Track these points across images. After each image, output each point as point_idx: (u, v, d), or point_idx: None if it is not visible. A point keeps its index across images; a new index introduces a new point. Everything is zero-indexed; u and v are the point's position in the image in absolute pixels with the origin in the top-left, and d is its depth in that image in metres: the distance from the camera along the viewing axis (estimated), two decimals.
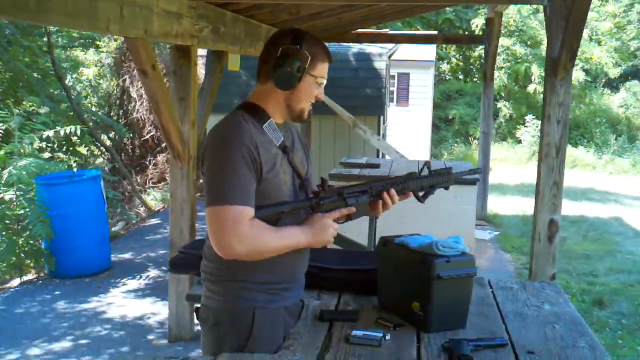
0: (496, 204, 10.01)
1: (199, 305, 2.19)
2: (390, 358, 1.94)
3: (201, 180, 2.08)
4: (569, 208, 9.76)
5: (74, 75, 11.98)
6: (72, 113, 9.72)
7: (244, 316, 2.06)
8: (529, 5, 16.24)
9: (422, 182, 2.30)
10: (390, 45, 10.71)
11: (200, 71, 8.74)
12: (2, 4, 2.36)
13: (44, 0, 2.57)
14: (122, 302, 5.61)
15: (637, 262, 7.12)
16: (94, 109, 11.65)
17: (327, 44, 8.01)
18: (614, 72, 19.35)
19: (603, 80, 20.54)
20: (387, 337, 2.06)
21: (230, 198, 1.92)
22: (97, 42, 11.99)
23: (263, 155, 1.98)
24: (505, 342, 2.06)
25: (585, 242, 8.10)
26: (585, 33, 18.35)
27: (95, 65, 12.72)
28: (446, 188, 2.36)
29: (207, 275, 2.14)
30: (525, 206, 9.69)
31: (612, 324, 5.32)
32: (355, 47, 10.25)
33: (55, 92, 10.21)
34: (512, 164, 16.07)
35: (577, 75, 17.68)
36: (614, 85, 20.77)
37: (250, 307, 2.06)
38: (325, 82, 2.13)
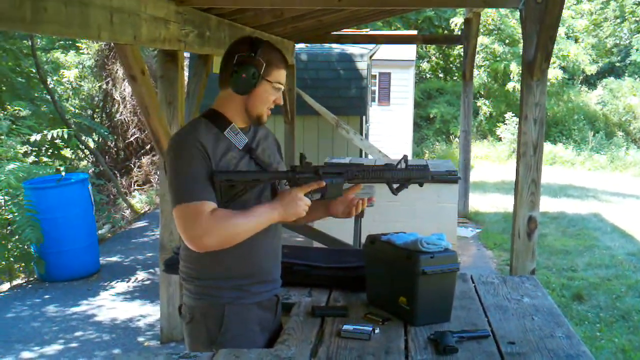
0: (478, 202, 10.16)
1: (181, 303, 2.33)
2: (380, 350, 2.05)
3: None
4: (548, 204, 9.96)
5: (54, 78, 11.94)
6: (52, 116, 9.71)
7: (214, 312, 2.18)
8: None
9: (397, 174, 2.32)
10: (371, 46, 10.84)
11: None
12: (1, 16, 2.44)
13: (39, 11, 2.65)
14: (111, 305, 5.67)
15: (615, 257, 7.29)
16: (76, 111, 11.62)
17: (309, 45, 8.05)
18: (591, 69, 19.63)
19: (580, 77, 20.82)
20: (376, 331, 2.17)
21: (187, 196, 2.03)
22: (78, 44, 11.96)
23: (214, 159, 2.08)
24: (487, 333, 2.18)
25: (565, 237, 8.26)
26: (562, 31, 18.63)
27: (76, 67, 12.68)
28: (420, 185, 2.37)
29: (182, 274, 2.28)
30: (506, 203, 9.84)
31: (591, 318, 5.47)
32: (337, 48, 10.36)
33: (36, 95, 10.19)
34: (493, 161, 16.27)
35: (555, 73, 17.90)
36: (591, 82, 21.06)
37: (220, 303, 2.18)
38: (282, 87, 2.22)
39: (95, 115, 11.71)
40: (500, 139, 17.59)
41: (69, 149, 9.84)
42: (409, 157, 13.66)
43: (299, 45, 9.41)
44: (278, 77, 2.18)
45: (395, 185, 2.35)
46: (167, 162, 2.12)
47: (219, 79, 2.22)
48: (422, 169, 2.34)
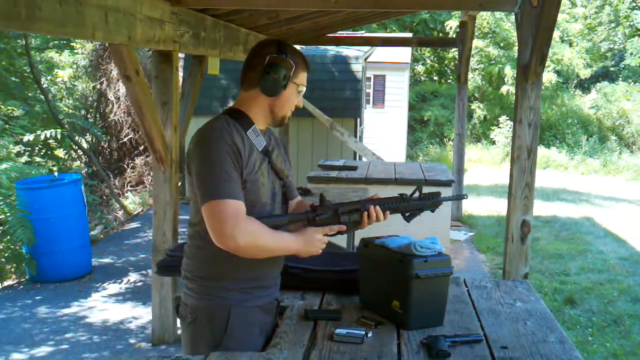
0: (471, 205, 10.16)
1: (179, 303, 2.30)
2: (373, 354, 2.04)
3: (180, 183, 2.17)
4: (541, 208, 9.97)
5: (48, 77, 11.90)
6: (45, 116, 9.68)
7: (220, 314, 2.16)
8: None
9: (412, 205, 2.36)
10: (366, 48, 10.85)
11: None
12: None
13: (34, 10, 2.63)
14: (103, 307, 5.64)
15: (607, 262, 7.30)
16: (70, 111, 11.58)
17: (304, 47, 8.07)
18: (585, 73, 19.70)
19: (574, 81, 20.89)
20: (369, 335, 2.17)
21: (228, 192, 2.01)
22: (72, 44, 11.92)
23: (244, 158, 2.09)
24: (480, 338, 2.18)
25: (558, 241, 8.28)
26: (557, 34, 18.68)
27: (71, 67, 12.63)
28: (432, 211, 2.42)
29: (186, 272, 2.25)
30: (499, 207, 9.86)
31: (583, 322, 5.48)
32: (332, 50, 10.36)
33: (30, 95, 10.16)
34: (487, 164, 16.30)
35: (549, 76, 17.96)
36: (585, 86, 21.14)
37: (226, 305, 2.16)
38: (304, 90, 2.27)
39: (89, 116, 11.67)
40: (494, 142, 17.64)
41: (62, 149, 9.81)
42: (403, 161, 13.61)
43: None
44: (303, 80, 2.23)
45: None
46: (197, 156, 2.08)
47: (243, 79, 2.21)
48: (434, 196, 2.40)
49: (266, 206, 2.17)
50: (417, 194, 2.37)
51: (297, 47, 8.30)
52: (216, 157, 2.04)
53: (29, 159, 8.49)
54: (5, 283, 6.28)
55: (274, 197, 2.22)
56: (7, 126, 7.24)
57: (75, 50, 12.13)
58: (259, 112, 2.20)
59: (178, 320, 4.74)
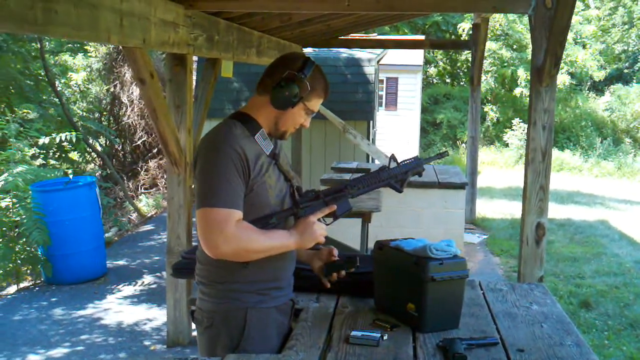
0: (485, 208, 10.13)
1: (194, 308, 2.31)
2: (388, 357, 2.04)
3: (193, 186, 2.19)
4: (556, 211, 9.91)
5: (62, 80, 11.97)
6: (60, 119, 9.74)
7: (236, 316, 2.17)
8: None
9: (394, 172, 2.36)
10: (378, 50, 10.84)
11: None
12: (11, 17, 2.45)
13: (50, 14, 2.65)
14: (118, 309, 5.67)
15: (623, 265, 7.24)
16: (84, 114, 11.66)
17: (316, 49, 8.05)
18: (599, 75, 19.56)
19: (588, 83, 20.75)
20: (385, 337, 2.16)
21: (218, 200, 2.02)
22: (86, 47, 12.00)
23: (251, 162, 2.09)
24: (496, 341, 2.16)
25: (572, 244, 8.22)
26: (570, 36, 18.55)
27: (84, 70, 12.72)
28: (419, 175, 2.41)
29: (200, 278, 2.25)
30: (513, 210, 9.81)
31: (599, 325, 5.44)
32: (344, 53, 10.36)
33: (45, 98, 10.23)
34: (500, 167, 16.23)
35: (563, 78, 17.85)
36: (599, 88, 20.99)
37: (242, 307, 2.17)
38: (314, 114, 2.27)
39: (102, 119, 11.74)
40: (507, 145, 17.55)
41: (76, 151, 9.86)
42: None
43: (307, 50, 9.41)
44: (315, 105, 2.23)
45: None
46: (200, 161, 2.10)
47: (260, 83, 2.22)
48: (414, 161, 2.40)
49: (275, 207, 2.18)
50: (394, 164, 2.38)
51: (309, 49, 8.27)
52: (216, 163, 2.05)
53: (44, 162, 8.55)
54: (21, 285, 6.32)
55: (283, 198, 2.23)
56: (22, 129, 7.28)
57: (89, 54, 12.21)
58: (265, 119, 2.21)
59: (193, 323, 4.78)
